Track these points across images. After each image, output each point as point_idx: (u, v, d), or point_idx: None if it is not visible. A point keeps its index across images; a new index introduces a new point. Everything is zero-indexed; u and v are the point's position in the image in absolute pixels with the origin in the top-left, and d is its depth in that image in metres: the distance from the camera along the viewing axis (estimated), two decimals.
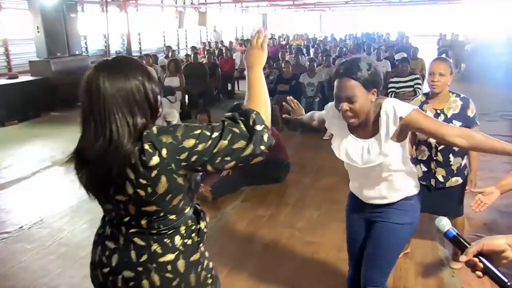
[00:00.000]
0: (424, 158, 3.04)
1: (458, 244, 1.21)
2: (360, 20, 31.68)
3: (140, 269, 1.43)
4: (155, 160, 1.30)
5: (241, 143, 1.32)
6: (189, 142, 1.31)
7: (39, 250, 3.75)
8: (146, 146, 1.30)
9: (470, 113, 2.88)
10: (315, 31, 28.16)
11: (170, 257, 1.44)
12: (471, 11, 25.22)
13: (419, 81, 6.97)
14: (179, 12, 16.60)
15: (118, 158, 1.31)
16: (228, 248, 3.69)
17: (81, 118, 1.38)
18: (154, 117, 1.42)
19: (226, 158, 1.32)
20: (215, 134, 1.32)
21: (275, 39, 17.35)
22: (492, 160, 4.91)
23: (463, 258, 1.16)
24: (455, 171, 3.00)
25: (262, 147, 1.32)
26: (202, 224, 1.54)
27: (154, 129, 1.34)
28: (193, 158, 1.32)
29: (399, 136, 1.99)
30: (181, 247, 1.46)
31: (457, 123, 2.81)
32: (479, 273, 1.14)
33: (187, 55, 10.66)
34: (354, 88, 1.90)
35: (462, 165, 3.02)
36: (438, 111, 2.90)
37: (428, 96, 2.98)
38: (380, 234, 2.17)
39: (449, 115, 2.88)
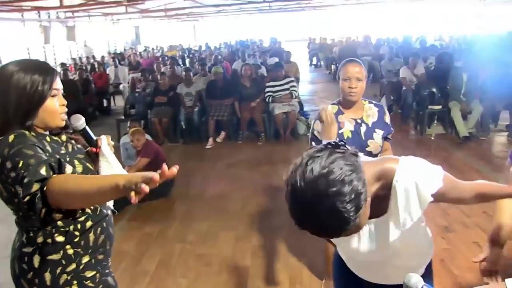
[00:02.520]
0: None
1: None
2: (233, 28, 32.35)
3: (12, 254, 1.59)
4: None
5: None
6: (8, 165, 1.35)
7: None
8: None
9: (388, 119, 2.60)
10: (190, 41, 28.17)
11: (28, 249, 1.54)
12: (336, 15, 27.22)
13: (294, 84, 7.29)
14: (44, 27, 15.50)
15: None
16: (118, 271, 3.45)
17: None
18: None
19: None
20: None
21: (149, 51, 17.02)
22: None
23: None
24: None
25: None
26: (72, 227, 1.55)
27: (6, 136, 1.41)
28: (8, 180, 1.36)
29: None
30: (39, 243, 1.53)
31: (379, 132, 2.55)
32: None
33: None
34: None
35: None
36: (358, 121, 2.54)
37: (341, 105, 2.58)
38: None
39: (370, 124, 2.55)
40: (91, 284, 1.61)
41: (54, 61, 17.25)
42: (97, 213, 1.64)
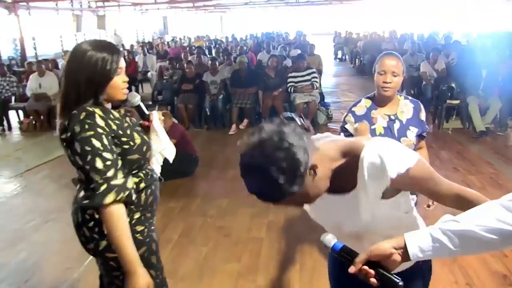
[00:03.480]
0: None
1: (346, 257, 1.19)
2: (259, 20, 32.53)
3: (75, 205, 1.80)
4: (64, 136, 1.66)
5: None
6: (77, 147, 1.63)
7: None
8: (66, 122, 1.65)
9: (423, 116, 2.46)
10: (217, 32, 28.48)
11: None
12: (363, 10, 27.09)
13: (316, 75, 7.51)
14: (76, 16, 16.03)
15: None
16: None
17: None
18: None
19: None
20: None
21: (177, 41, 17.39)
22: None
23: (352, 269, 1.16)
24: None
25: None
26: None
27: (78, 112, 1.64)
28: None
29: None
30: None
31: (413, 130, 2.43)
32: (373, 280, 1.14)
33: None
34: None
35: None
36: (392, 117, 2.43)
37: (375, 100, 2.47)
38: None
39: (404, 121, 2.43)
40: (140, 237, 1.82)
41: None
42: (148, 177, 1.85)
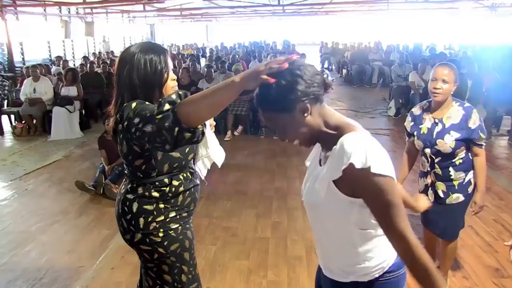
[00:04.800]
0: (425, 170, 2.83)
1: None
2: (245, 30, 32.79)
3: (118, 197, 1.98)
4: (120, 127, 1.75)
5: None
6: (136, 120, 1.60)
7: None
8: (119, 114, 1.74)
9: (472, 124, 2.57)
10: (202, 40, 28.72)
11: (130, 196, 1.91)
12: (348, 21, 27.58)
13: None
14: (65, 22, 16.00)
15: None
16: None
17: None
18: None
19: (162, 135, 1.50)
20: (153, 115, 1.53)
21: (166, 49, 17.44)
22: None
23: None
24: (456, 187, 2.71)
25: (167, 124, 1.47)
26: (168, 189, 1.91)
27: (129, 102, 1.72)
28: (137, 134, 1.60)
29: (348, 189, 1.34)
30: (139, 194, 1.90)
31: (454, 134, 2.60)
32: None
33: (82, 64, 10.46)
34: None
35: (466, 181, 2.71)
36: (437, 121, 2.66)
37: (430, 104, 2.73)
38: None
39: (447, 125, 2.62)
40: (173, 234, 1.93)
41: (73, 55, 17.79)
42: (188, 180, 1.97)
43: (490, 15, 19.89)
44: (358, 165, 1.25)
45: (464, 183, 2.71)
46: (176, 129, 1.46)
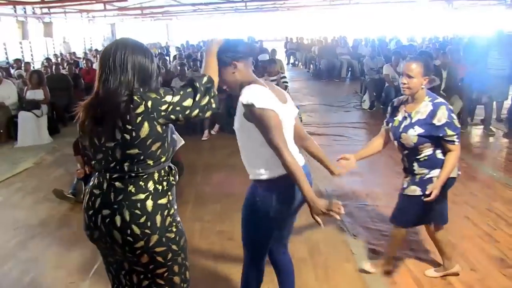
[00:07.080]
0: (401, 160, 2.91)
1: None
2: (206, 27, 32.48)
3: (115, 206, 1.75)
4: (141, 108, 1.68)
5: (202, 98, 1.84)
6: (168, 97, 1.74)
7: None
8: (135, 97, 1.69)
9: (437, 121, 2.60)
10: (163, 40, 28.28)
11: (141, 196, 1.76)
12: (310, 16, 27.72)
13: (286, 79, 7.64)
14: (21, 23, 15.31)
15: (111, 107, 1.70)
16: None
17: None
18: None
19: (192, 110, 1.81)
20: (184, 92, 1.80)
21: None
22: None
23: None
24: (417, 180, 2.76)
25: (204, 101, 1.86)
26: (171, 178, 1.86)
27: (142, 89, 1.75)
28: (170, 109, 1.73)
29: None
30: (151, 190, 1.78)
31: (417, 130, 2.65)
32: None
33: (45, 66, 9.99)
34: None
35: (427, 177, 2.73)
36: (406, 115, 2.73)
37: (408, 98, 2.78)
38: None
39: (413, 120, 2.68)
40: (180, 227, 1.89)
41: (31, 57, 17.08)
42: (174, 172, 1.91)
43: (447, 7, 20.46)
44: (244, 102, 2.03)
45: (425, 178, 2.74)
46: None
